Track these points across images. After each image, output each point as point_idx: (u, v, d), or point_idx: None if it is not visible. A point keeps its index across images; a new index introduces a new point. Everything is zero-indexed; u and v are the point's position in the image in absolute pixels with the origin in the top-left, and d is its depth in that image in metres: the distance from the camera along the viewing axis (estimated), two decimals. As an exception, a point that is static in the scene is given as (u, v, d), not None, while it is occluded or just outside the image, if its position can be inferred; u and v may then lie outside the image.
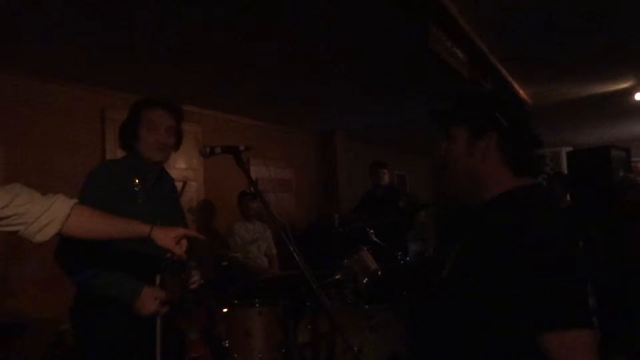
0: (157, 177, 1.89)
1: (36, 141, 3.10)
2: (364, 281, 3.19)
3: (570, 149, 8.20)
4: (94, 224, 1.40)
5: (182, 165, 4.18)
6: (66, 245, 1.59)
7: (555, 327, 0.91)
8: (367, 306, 3.07)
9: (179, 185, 4.16)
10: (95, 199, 1.56)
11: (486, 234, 1.03)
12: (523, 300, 0.93)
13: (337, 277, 3.02)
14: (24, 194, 1.32)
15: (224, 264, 3.45)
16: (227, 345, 2.81)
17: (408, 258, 3.96)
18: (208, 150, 1.60)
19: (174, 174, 4.02)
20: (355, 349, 2.52)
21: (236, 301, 2.95)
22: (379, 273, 3.26)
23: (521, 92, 4.57)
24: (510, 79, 4.08)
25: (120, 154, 1.91)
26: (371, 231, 3.54)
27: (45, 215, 1.31)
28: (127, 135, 1.81)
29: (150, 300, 1.62)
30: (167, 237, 1.44)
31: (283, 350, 2.77)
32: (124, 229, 1.45)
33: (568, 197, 4.34)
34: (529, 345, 0.93)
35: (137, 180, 1.78)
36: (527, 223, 0.97)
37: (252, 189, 4.47)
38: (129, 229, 1.45)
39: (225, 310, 2.91)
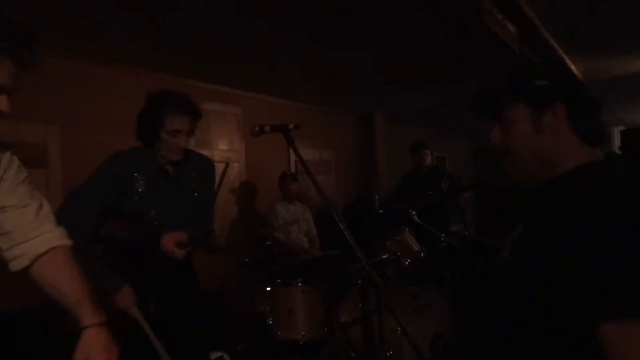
0: (161, 169, 1.97)
1: (90, 123, 3.21)
2: (407, 262, 3.17)
3: (623, 128, 7.76)
4: (60, 276, 1.23)
5: (224, 147, 4.25)
6: (68, 212, 1.73)
7: (616, 317, 0.80)
8: (409, 287, 3.06)
9: (221, 166, 4.26)
10: (98, 186, 1.82)
11: (555, 212, 0.92)
12: (587, 284, 0.82)
13: (385, 256, 3.01)
14: (34, 209, 1.22)
15: (267, 243, 3.50)
16: (270, 322, 2.88)
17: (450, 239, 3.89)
18: (258, 128, 1.61)
19: (216, 155, 4.14)
20: (399, 329, 2.51)
21: (279, 280, 3.00)
22: (422, 254, 3.23)
23: (573, 67, 4.33)
24: (562, 53, 3.87)
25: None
26: (413, 212, 3.49)
27: (24, 245, 1.20)
28: (146, 132, 1.90)
29: (126, 296, 1.76)
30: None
31: (325, 329, 2.81)
32: (88, 292, 1.24)
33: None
34: (586, 338, 0.83)
35: (139, 173, 1.90)
36: (602, 201, 0.87)
37: (292, 170, 4.50)
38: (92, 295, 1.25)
39: (268, 288, 2.97)
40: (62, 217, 1.54)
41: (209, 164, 2.20)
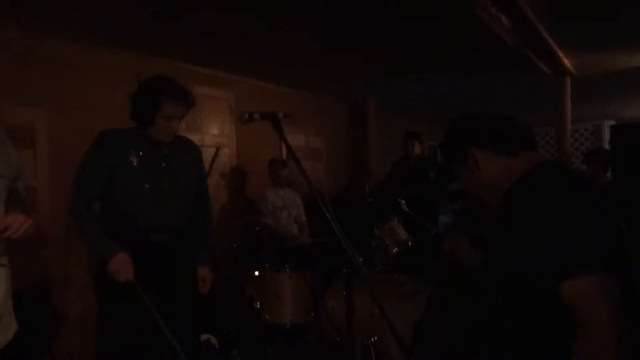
0: (154, 146, 2.04)
1: (77, 104, 3.18)
2: (394, 251, 3.21)
3: (613, 122, 7.82)
4: None
5: (215, 132, 4.23)
6: (82, 184, 1.93)
7: (570, 275, 0.99)
8: (396, 275, 3.10)
9: (211, 151, 4.26)
10: (92, 167, 1.95)
11: (510, 211, 1.18)
12: (543, 256, 1.03)
13: (373, 244, 3.05)
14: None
15: (256, 229, 3.52)
16: (258, 306, 2.91)
17: (438, 229, 3.94)
18: (247, 116, 1.61)
19: (207, 140, 4.12)
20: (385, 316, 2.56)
21: (267, 265, 3.03)
22: (410, 243, 3.26)
23: (566, 61, 4.35)
24: (555, 47, 3.88)
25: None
26: (402, 201, 3.52)
27: None
28: (142, 115, 1.97)
29: (119, 264, 1.86)
30: None
31: (312, 314, 2.85)
32: None
33: (609, 174, 4.18)
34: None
35: (131, 148, 1.98)
36: (529, 193, 1.13)
37: (282, 156, 4.50)
38: None
39: (256, 273, 3.00)
40: (73, 209, 1.92)
41: (196, 146, 2.28)
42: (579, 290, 0.99)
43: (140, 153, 1.99)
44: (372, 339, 2.60)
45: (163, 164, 2.04)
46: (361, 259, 3.01)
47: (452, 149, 1.34)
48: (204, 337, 2.68)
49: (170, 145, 2.07)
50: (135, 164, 1.96)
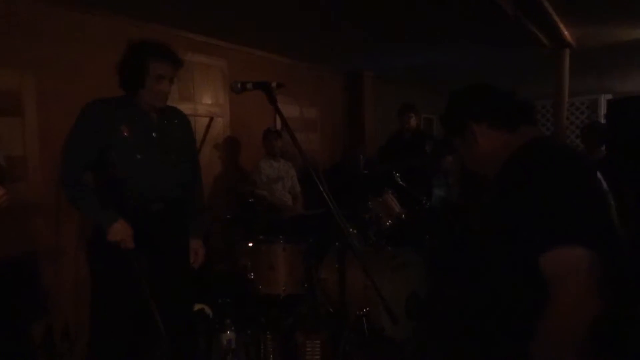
0: (144, 115, 2.01)
1: (66, 70, 3.09)
2: (388, 223, 3.22)
3: (610, 96, 7.77)
4: None
5: (208, 101, 4.16)
6: (72, 155, 1.90)
7: (547, 248, 0.99)
8: (389, 248, 3.12)
9: (204, 121, 4.19)
10: (81, 140, 1.90)
11: (501, 184, 1.20)
12: (523, 231, 1.05)
13: (366, 216, 3.05)
14: None
15: (250, 200, 3.51)
16: (252, 277, 2.94)
17: (431, 203, 3.95)
18: (239, 85, 1.57)
19: (200, 109, 4.05)
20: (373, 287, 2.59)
21: (261, 236, 3.04)
22: (403, 216, 3.28)
23: (566, 32, 4.27)
24: (556, 18, 3.80)
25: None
26: (397, 174, 3.51)
27: None
28: (130, 80, 1.93)
29: (118, 231, 1.86)
30: None
31: (305, 285, 2.89)
32: None
33: (603, 149, 4.18)
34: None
35: (120, 118, 1.94)
36: (520, 168, 1.15)
37: (277, 127, 4.44)
38: None
39: (250, 244, 3.01)
40: (63, 180, 1.88)
41: (185, 116, 2.25)
42: (556, 263, 0.98)
43: (131, 123, 1.96)
44: (364, 310, 2.64)
45: (154, 134, 2.02)
46: (354, 231, 3.02)
47: (451, 122, 1.34)
48: (198, 307, 2.71)
49: (160, 116, 2.04)
50: (126, 134, 1.94)
